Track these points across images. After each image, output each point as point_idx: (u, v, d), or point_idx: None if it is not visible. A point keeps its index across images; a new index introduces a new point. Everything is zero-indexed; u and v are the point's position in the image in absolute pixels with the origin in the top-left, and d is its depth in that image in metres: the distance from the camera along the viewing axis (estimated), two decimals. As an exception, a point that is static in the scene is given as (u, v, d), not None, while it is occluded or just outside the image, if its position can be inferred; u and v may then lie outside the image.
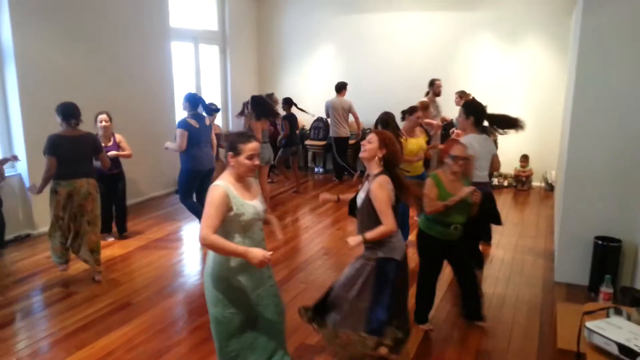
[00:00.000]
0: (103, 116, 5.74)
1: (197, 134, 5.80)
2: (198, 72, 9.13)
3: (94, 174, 4.94)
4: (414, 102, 8.27)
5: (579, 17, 4.92)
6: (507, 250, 5.80)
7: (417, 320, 4.05)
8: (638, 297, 2.74)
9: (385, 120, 5.35)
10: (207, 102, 6.87)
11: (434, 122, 7.46)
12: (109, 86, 7.04)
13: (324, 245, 6.00)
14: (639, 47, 4.39)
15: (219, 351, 3.02)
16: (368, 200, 3.16)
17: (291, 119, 8.28)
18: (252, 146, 2.81)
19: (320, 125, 9.74)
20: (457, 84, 8.93)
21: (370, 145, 3.21)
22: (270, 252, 2.75)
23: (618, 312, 2.45)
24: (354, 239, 3.19)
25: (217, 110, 7.41)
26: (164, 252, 5.76)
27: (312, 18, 9.96)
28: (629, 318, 2.37)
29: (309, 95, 9.67)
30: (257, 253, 2.69)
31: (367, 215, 3.19)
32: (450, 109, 8.90)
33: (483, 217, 4.32)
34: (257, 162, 2.86)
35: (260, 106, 6.64)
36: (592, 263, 4.66)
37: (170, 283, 4.95)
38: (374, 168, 3.22)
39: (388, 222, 3.10)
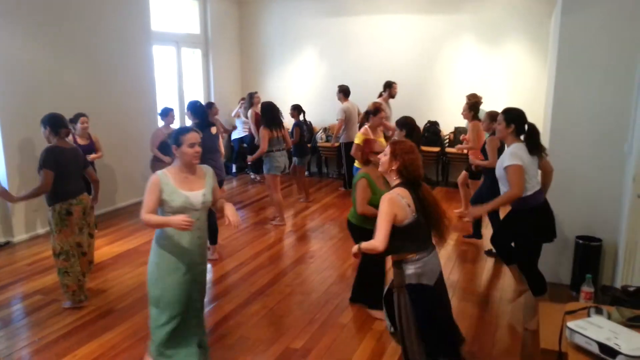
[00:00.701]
0: (84, 118, 5.97)
1: (200, 145, 5.50)
2: (180, 75, 9.07)
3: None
4: (397, 104, 8.39)
5: (557, 19, 4.98)
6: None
7: (370, 305, 4.36)
8: (618, 296, 2.76)
9: (409, 124, 5.07)
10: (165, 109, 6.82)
11: (390, 124, 7.37)
12: (90, 90, 6.96)
13: (309, 248, 5.99)
14: (616, 47, 4.46)
15: (154, 328, 3.30)
16: None
17: (302, 126, 7.95)
18: (190, 135, 3.19)
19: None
20: (441, 85, 9.03)
21: (384, 158, 3.05)
22: (190, 219, 3.01)
23: (599, 312, 2.47)
24: (355, 247, 3.06)
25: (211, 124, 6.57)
26: (146, 258, 5.66)
27: (295, 21, 9.96)
28: (609, 317, 2.39)
29: (292, 98, 9.62)
30: (177, 218, 3.00)
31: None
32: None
33: (539, 235, 4.02)
34: (198, 149, 3.21)
35: (269, 114, 6.51)
36: (573, 262, 4.72)
37: (153, 289, 4.89)
38: (392, 181, 3.05)
39: (377, 238, 2.85)
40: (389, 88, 8.07)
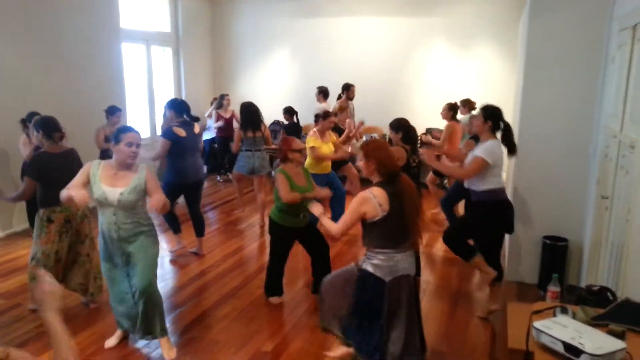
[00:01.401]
0: (38, 117, 5.59)
1: (182, 144, 5.19)
2: (150, 74, 8.93)
3: None
4: (370, 106, 8.43)
5: (526, 23, 5.07)
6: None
7: (269, 292, 4.61)
8: (583, 296, 2.82)
9: (404, 125, 5.13)
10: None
11: (352, 125, 7.36)
12: (57, 89, 6.79)
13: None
14: (582, 51, 4.56)
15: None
16: None
17: (290, 129, 7.76)
18: (129, 135, 3.33)
19: (277, 129, 9.65)
20: (412, 87, 9.10)
21: (361, 164, 3.16)
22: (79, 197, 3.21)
23: (564, 311, 2.51)
24: (320, 209, 3.56)
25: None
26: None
27: (267, 21, 9.91)
28: (574, 316, 2.43)
29: (264, 99, 9.58)
30: (74, 194, 3.22)
31: (362, 224, 3.18)
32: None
33: (500, 227, 4.30)
34: (135, 149, 3.33)
35: (244, 115, 6.41)
36: (541, 262, 4.82)
37: (121, 292, 4.79)
38: (374, 180, 3.15)
39: (338, 225, 3.20)
40: (347, 90, 8.10)
